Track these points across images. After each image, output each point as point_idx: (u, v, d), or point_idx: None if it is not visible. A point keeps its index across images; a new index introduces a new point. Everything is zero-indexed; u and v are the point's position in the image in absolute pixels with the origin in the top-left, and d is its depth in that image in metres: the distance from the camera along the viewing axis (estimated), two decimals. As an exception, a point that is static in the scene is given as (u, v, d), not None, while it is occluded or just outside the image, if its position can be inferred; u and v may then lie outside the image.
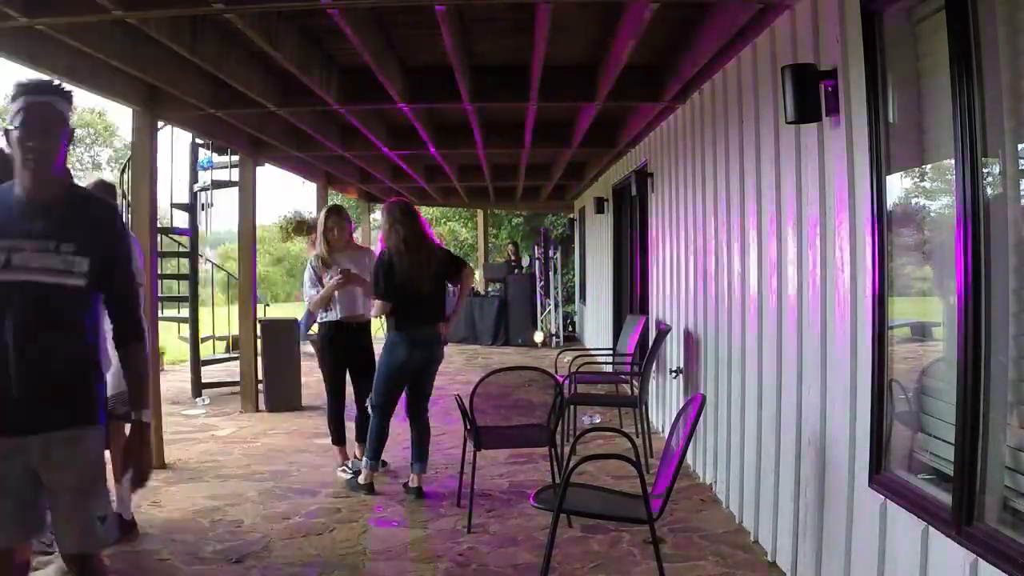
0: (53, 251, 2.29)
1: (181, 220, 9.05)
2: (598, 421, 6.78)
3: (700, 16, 4.31)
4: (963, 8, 2.22)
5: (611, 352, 7.94)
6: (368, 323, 5.52)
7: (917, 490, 2.58)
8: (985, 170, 2.23)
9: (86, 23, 4.05)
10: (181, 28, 4.25)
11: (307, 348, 11.64)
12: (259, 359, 7.99)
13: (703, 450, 5.15)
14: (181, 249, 8.85)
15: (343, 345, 5.40)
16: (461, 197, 13.90)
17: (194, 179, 8.72)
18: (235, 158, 8.57)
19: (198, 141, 8.64)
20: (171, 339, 10.29)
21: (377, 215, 18.10)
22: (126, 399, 2.89)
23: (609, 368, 7.67)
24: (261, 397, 7.96)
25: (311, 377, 9.87)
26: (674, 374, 6.06)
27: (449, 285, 5.13)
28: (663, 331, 6.23)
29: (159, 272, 7.71)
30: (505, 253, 16.76)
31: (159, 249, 7.41)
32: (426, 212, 19.72)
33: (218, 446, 6.33)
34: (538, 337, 13.86)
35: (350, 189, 12.91)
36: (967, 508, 2.21)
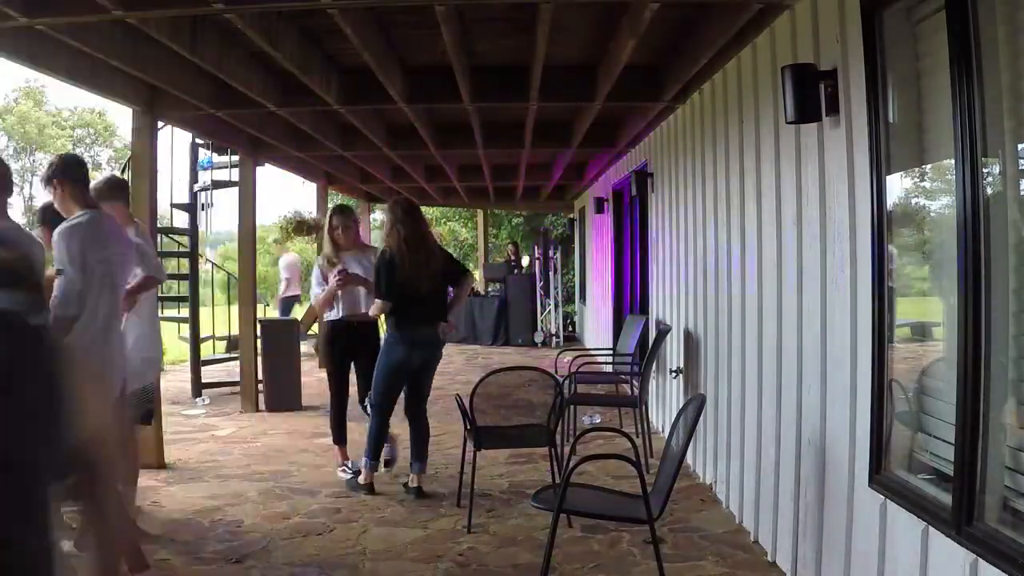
0: None
1: (181, 220, 9.05)
2: (598, 421, 6.78)
3: (700, 16, 4.31)
4: (963, 8, 2.22)
5: (611, 352, 7.93)
6: (374, 322, 5.49)
7: (917, 490, 2.57)
8: (985, 170, 2.23)
9: (86, 23, 4.05)
10: (181, 28, 4.25)
11: (307, 348, 11.66)
12: (259, 359, 7.99)
13: (703, 450, 5.15)
14: (181, 249, 8.85)
15: (344, 344, 5.39)
16: (461, 197, 13.90)
17: (194, 179, 8.71)
18: (235, 158, 8.57)
19: (198, 141, 8.64)
20: (171, 339, 10.28)
21: (378, 215, 18.15)
22: (139, 399, 2.96)
23: (609, 368, 7.67)
24: (261, 397, 7.96)
25: (311, 377, 9.86)
26: (674, 374, 6.06)
27: (450, 288, 5.14)
28: (663, 331, 6.23)
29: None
30: (505, 253, 16.76)
31: (159, 249, 7.41)
32: (426, 212, 19.67)
33: (218, 446, 6.33)
34: (538, 337, 13.86)
35: (350, 189, 12.92)
36: (967, 508, 2.20)
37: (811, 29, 3.32)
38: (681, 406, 3.65)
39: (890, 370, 2.80)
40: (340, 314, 5.35)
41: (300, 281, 12.33)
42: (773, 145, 3.81)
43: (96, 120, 37.88)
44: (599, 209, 10.71)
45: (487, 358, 11.81)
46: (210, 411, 7.79)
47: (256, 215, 8.28)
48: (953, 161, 2.30)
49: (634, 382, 6.75)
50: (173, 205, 9.04)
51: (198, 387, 8.36)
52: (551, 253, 14.60)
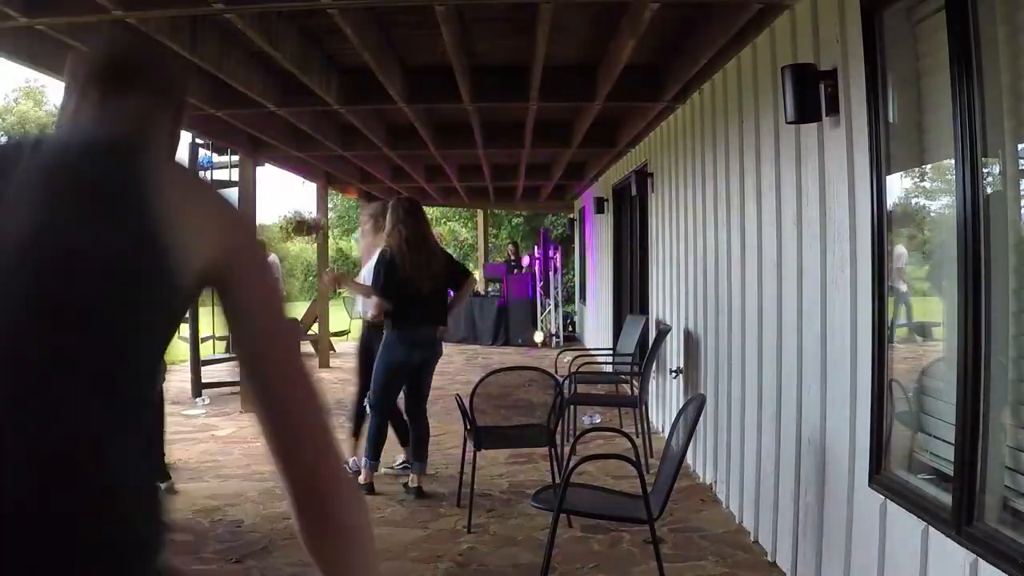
0: None
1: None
2: (598, 421, 6.78)
3: (700, 16, 4.31)
4: (963, 8, 2.22)
5: (611, 352, 7.93)
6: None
7: (917, 490, 2.58)
8: (985, 170, 2.23)
9: (86, 23, 4.04)
10: (181, 28, 4.25)
11: (307, 348, 11.66)
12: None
13: (703, 450, 5.15)
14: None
15: (367, 345, 5.42)
16: (461, 197, 13.89)
17: (194, 179, 8.68)
18: (235, 158, 8.57)
19: (198, 141, 8.63)
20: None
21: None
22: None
23: (609, 368, 7.67)
24: (261, 397, 7.94)
25: (311, 377, 9.87)
26: (674, 374, 6.06)
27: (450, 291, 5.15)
28: (663, 331, 6.23)
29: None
30: (505, 253, 16.76)
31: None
32: (426, 212, 19.65)
33: (218, 446, 6.33)
34: (538, 337, 13.86)
35: (350, 189, 12.91)
36: (967, 508, 2.20)
37: (811, 29, 3.32)
38: (681, 406, 3.65)
39: (890, 370, 2.80)
40: (365, 314, 5.40)
41: (282, 282, 12.33)
42: (773, 145, 3.81)
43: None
44: (599, 209, 10.71)
45: (487, 358, 11.81)
46: (210, 411, 7.79)
47: (256, 215, 8.27)
48: (953, 161, 2.30)
49: (634, 382, 6.75)
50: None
51: (198, 387, 8.36)
52: (551, 253, 14.60)
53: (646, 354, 6.43)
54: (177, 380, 9.26)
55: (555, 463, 4.51)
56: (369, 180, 11.28)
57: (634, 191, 7.58)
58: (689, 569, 3.73)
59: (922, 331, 3.06)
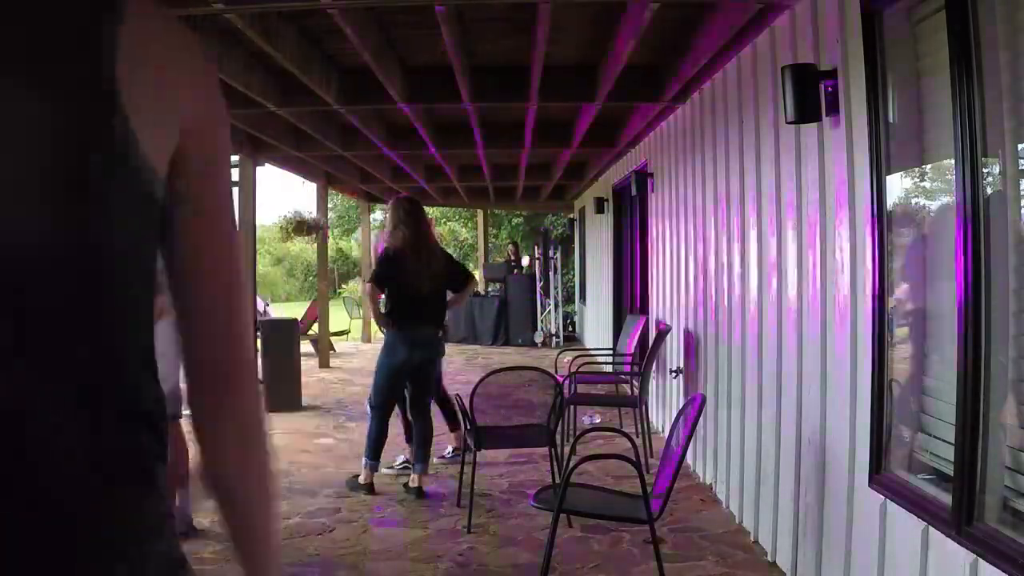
0: None
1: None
2: (598, 421, 6.78)
3: (700, 16, 4.31)
4: (963, 8, 2.22)
5: (611, 352, 7.93)
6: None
7: (917, 490, 2.58)
8: (985, 170, 2.23)
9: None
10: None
11: (306, 348, 11.66)
12: (259, 359, 7.99)
13: (703, 450, 5.15)
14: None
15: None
16: (461, 197, 13.90)
17: (194, 179, 8.70)
18: (235, 158, 8.57)
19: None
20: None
21: (378, 215, 18.15)
22: (178, 397, 2.99)
23: (609, 368, 7.67)
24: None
25: (311, 377, 9.87)
26: (674, 374, 6.06)
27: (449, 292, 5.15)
28: (663, 331, 6.23)
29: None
30: (505, 253, 16.77)
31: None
32: (426, 212, 19.66)
33: (218, 446, 6.32)
34: (538, 337, 13.86)
35: (350, 189, 12.92)
36: (967, 508, 2.20)
37: (811, 29, 3.32)
38: (681, 406, 3.65)
39: (890, 370, 2.80)
40: None
41: None
42: (773, 145, 3.81)
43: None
44: (599, 209, 10.71)
45: (487, 358, 11.81)
46: (210, 411, 7.78)
47: (256, 215, 8.27)
48: (953, 161, 2.30)
49: (634, 382, 6.75)
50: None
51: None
52: (551, 253, 14.61)
53: (646, 354, 6.43)
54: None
55: (555, 463, 4.51)
56: (369, 180, 11.28)
57: (634, 191, 7.58)
58: (689, 569, 3.73)
59: (922, 331, 3.06)
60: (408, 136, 7.60)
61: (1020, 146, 2.23)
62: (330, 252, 15.69)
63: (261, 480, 0.95)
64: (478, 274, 15.19)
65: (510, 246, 16.62)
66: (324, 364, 11.23)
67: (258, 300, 12.27)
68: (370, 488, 4.95)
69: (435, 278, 4.94)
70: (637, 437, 5.29)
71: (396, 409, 5.23)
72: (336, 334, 13.44)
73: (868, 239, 2.82)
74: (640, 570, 3.73)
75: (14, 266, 0.71)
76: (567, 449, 4.29)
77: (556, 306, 14.48)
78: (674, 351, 6.19)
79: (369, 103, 5.96)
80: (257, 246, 8.95)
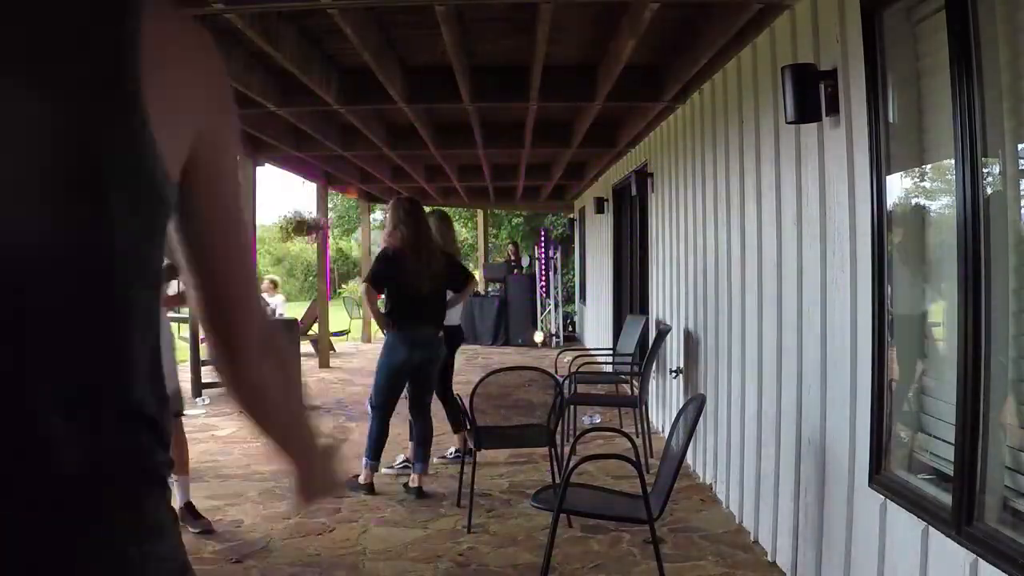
0: None
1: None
2: (598, 421, 6.78)
3: (700, 16, 4.31)
4: (963, 8, 2.22)
5: (611, 352, 7.94)
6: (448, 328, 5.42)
7: (917, 490, 2.58)
8: (985, 170, 2.23)
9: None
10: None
11: (307, 348, 11.66)
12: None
13: (703, 450, 5.15)
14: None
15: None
16: (461, 197, 13.90)
17: (194, 179, 8.70)
18: (235, 158, 8.57)
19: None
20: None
21: (378, 215, 18.15)
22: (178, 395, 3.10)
23: (609, 368, 7.67)
24: (261, 397, 7.94)
25: (311, 377, 9.88)
26: (674, 374, 6.06)
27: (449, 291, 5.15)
28: (663, 331, 6.23)
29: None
30: (505, 253, 16.77)
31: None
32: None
33: (218, 446, 6.33)
34: (538, 337, 13.86)
35: (350, 189, 12.92)
36: (967, 508, 2.20)
37: (811, 29, 3.32)
38: (681, 406, 3.65)
39: (890, 370, 2.80)
40: None
41: None
42: (773, 145, 3.81)
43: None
44: (599, 209, 10.71)
45: (487, 358, 11.81)
46: (210, 411, 7.79)
47: (256, 215, 8.27)
48: (953, 161, 2.30)
49: (634, 382, 6.75)
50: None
51: (198, 387, 8.35)
52: (551, 253, 14.61)
53: (646, 354, 6.43)
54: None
55: (555, 463, 4.51)
56: (369, 180, 11.28)
57: (634, 191, 7.59)
58: (689, 569, 3.73)
59: (922, 331, 3.06)
60: (408, 136, 7.59)
61: (1020, 146, 2.23)
62: (330, 252, 15.68)
63: (284, 370, 1.02)
64: (478, 274, 15.20)
65: (510, 246, 16.62)
66: (324, 364, 11.23)
67: (276, 299, 12.30)
68: (370, 488, 4.95)
69: (435, 278, 4.94)
70: (637, 437, 5.29)
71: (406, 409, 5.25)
72: (336, 334, 13.44)
73: (868, 239, 2.82)
74: (640, 570, 3.73)
75: (14, 266, 0.71)
76: (567, 449, 4.29)
77: (556, 306, 14.48)
78: (674, 351, 6.19)
79: (369, 103, 5.96)
80: (257, 246, 8.93)
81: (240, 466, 5.69)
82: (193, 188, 0.83)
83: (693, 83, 5.23)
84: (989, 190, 2.23)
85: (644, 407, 5.94)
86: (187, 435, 6.58)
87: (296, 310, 13.90)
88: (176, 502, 4.14)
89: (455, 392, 5.60)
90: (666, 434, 4.24)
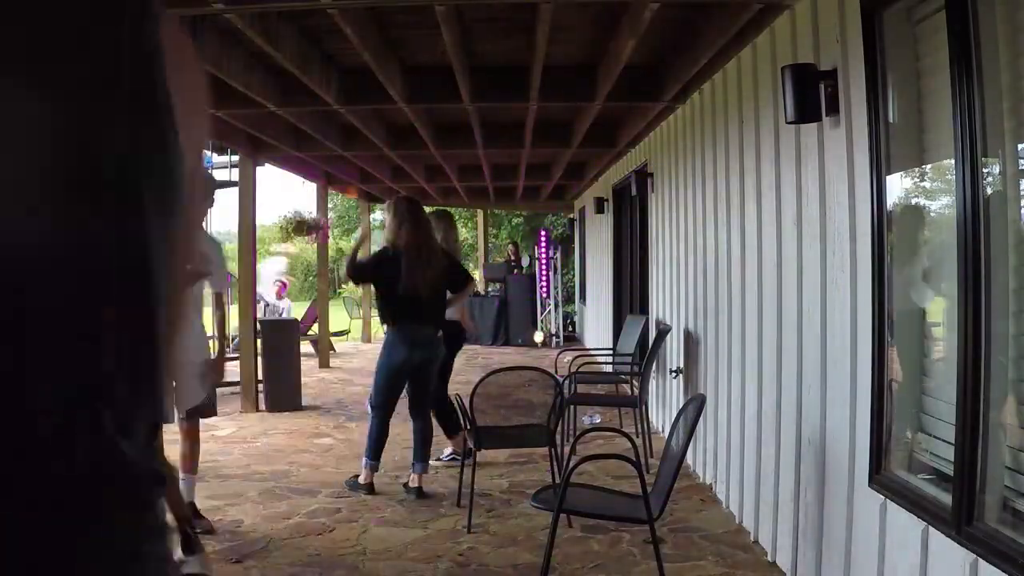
0: None
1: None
2: (598, 421, 6.78)
3: (700, 16, 4.31)
4: (963, 8, 2.22)
5: (611, 352, 7.94)
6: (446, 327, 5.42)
7: (917, 490, 2.58)
8: (985, 170, 2.23)
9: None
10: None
11: (307, 348, 11.67)
12: (259, 359, 7.99)
13: (703, 450, 5.15)
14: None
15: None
16: (461, 197, 13.90)
17: (194, 179, 8.71)
18: (235, 158, 8.58)
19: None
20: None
21: (377, 215, 18.13)
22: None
23: (609, 368, 7.67)
24: (261, 397, 7.96)
25: (311, 377, 9.88)
26: (674, 374, 6.06)
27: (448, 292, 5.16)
28: (663, 331, 6.23)
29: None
30: (505, 253, 16.77)
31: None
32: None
33: (218, 446, 6.33)
34: (538, 337, 13.86)
35: (350, 189, 12.92)
36: (967, 508, 2.20)
37: (811, 29, 3.32)
38: (681, 406, 3.65)
39: (890, 370, 2.80)
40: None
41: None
42: (773, 145, 3.81)
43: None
44: (599, 209, 10.71)
45: (487, 358, 11.81)
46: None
47: (256, 215, 8.27)
48: (953, 161, 2.30)
49: (634, 382, 6.75)
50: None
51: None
52: (551, 253, 14.61)
53: (646, 354, 6.43)
54: (177, 380, 9.26)
55: (555, 463, 4.51)
56: (369, 180, 11.28)
57: (634, 191, 7.59)
58: (689, 569, 3.73)
59: (922, 331, 3.06)
60: (408, 136, 7.60)
61: (1020, 146, 2.23)
62: (330, 252, 15.68)
63: None
64: (478, 274, 15.21)
65: (510, 246, 16.62)
66: (324, 364, 11.23)
67: (284, 302, 12.31)
68: (370, 488, 4.95)
69: (435, 278, 4.95)
70: (637, 437, 5.29)
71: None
72: (336, 334, 13.44)
73: (868, 239, 2.82)
74: (640, 570, 3.73)
75: (14, 266, 0.71)
76: (567, 449, 4.29)
77: (556, 306, 14.48)
78: (674, 351, 6.19)
79: (369, 103, 5.96)
80: (257, 246, 8.93)
81: (240, 466, 5.69)
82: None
83: (693, 83, 5.23)
84: (989, 190, 2.23)
85: (644, 407, 5.94)
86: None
87: (296, 310, 13.89)
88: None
89: (454, 393, 5.60)
90: (666, 434, 4.24)
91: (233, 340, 8.95)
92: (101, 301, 0.77)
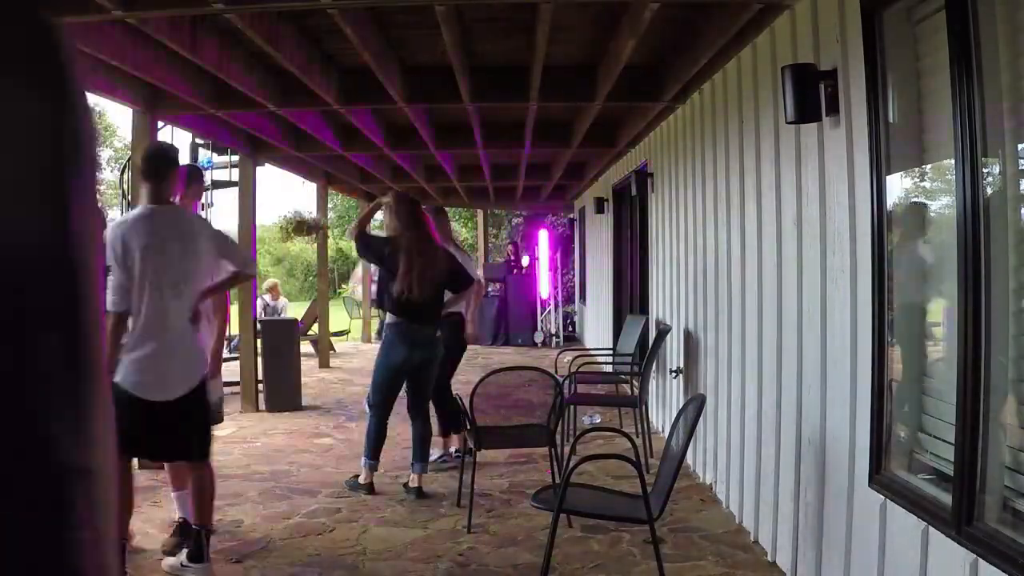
0: None
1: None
2: (598, 421, 6.78)
3: (700, 16, 4.31)
4: (963, 8, 2.22)
5: (611, 352, 7.94)
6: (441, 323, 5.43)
7: (917, 490, 2.58)
8: (985, 170, 2.23)
9: (86, 23, 4.05)
10: (181, 28, 4.25)
11: (307, 348, 11.66)
12: (259, 359, 7.99)
13: (703, 450, 5.15)
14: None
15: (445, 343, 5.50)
16: (461, 197, 13.90)
17: (194, 179, 8.71)
18: (235, 158, 8.57)
19: (198, 141, 8.64)
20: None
21: (377, 215, 18.12)
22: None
23: (609, 368, 7.67)
24: (261, 397, 7.96)
25: (311, 377, 9.88)
26: (674, 374, 6.06)
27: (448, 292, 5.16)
28: (663, 331, 6.23)
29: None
30: (505, 253, 16.76)
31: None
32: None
33: (218, 446, 6.28)
34: (538, 337, 13.86)
35: (350, 189, 12.91)
36: (967, 508, 2.20)
37: (811, 29, 3.32)
38: (681, 406, 3.65)
39: (890, 370, 2.80)
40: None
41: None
42: (773, 145, 3.81)
43: (96, 120, 37.84)
44: (599, 209, 10.71)
45: (487, 358, 11.81)
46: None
47: (256, 215, 8.27)
48: (953, 161, 2.30)
49: (634, 382, 6.75)
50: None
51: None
52: (551, 253, 14.62)
53: (646, 354, 6.43)
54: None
55: (555, 463, 4.51)
56: (369, 180, 11.29)
57: (634, 191, 7.58)
58: (689, 569, 3.73)
59: (922, 331, 3.06)
60: (408, 136, 7.60)
61: (1020, 146, 2.23)
62: (330, 252, 15.69)
63: None
64: (480, 274, 15.18)
65: (510, 246, 16.61)
66: (324, 364, 11.23)
67: (281, 301, 12.29)
68: (370, 488, 4.95)
69: (436, 278, 4.95)
70: (637, 437, 5.29)
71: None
72: (336, 334, 13.44)
73: (868, 239, 2.82)
74: (640, 570, 3.73)
75: (14, 266, 0.72)
76: (567, 449, 4.29)
77: (556, 306, 14.48)
78: (674, 351, 6.19)
79: (369, 103, 5.96)
80: (257, 246, 8.93)
81: (240, 466, 5.69)
82: None
83: (693, 83, 5.23)
84: (989, 190, 2.23)
85: (644, 407, 5.94)
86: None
87: (296, 310, 13.89)
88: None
89: (455, 393, 5.60)
90: (666, 434, 4.24)
91: (233, 340, 8.95)
92: (100, 300, 0.77)
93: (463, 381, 6.09)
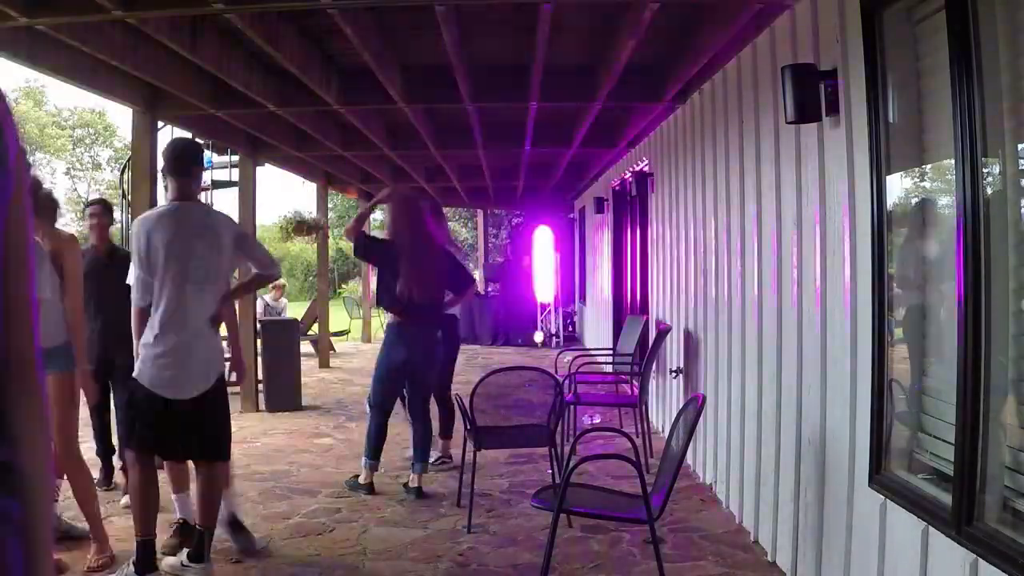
0: None
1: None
2: (598, 421, 6.78)
3: (700, 16, 4.31)
4: (963, 8, 2.22)
5: (611, 352, 7.94)
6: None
7: (917, 490, 2.57)
8: (985, 170, 2.23)
9: (86, 23, 4.05)
10: (181, 28, 4.25)
11: (306, 348, 11.66)
12: (259, 359, 7.99)
13: (703, 450, 5.15)
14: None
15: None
16: (461, 197, 13.90)
17: (194, 179, 8.71)
18: (235, 158, 8.58)
19: (198, 141, 8.64)
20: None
21: (378, 215, 18.12)
22: None
23: (609, 368, 7.67)
24: (261, 397, 7.96)
25: (311, 377, 9.87)
26: (674, 374, 6.06)
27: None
28: (663, 331, 6.23)
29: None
30: (505, 253, 16.77)
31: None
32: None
33: (218, 446, 6.32)
34: (538, 337, 13.86)
35: (350, 189, 12.92)
36: (967, 508, 2.20)
37: (811, 29, 3.32)
38: (681, 406, 3.65)
39: (890, 370, 2.80)
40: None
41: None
42: (773, 145, 3.81)
43: (96, 120, 37.82)
44: (599, 209, 10.71)
45: (487, 358, 11.81)
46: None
47: (256, 215, 8.27)
48: (953, 161, 2.30)
49: (634, 382, 6.75)
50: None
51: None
52: (551, 253, 14.62)
53: (646, 354, 6.43)
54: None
55: (555, 463, 4.51)
56: (369, 180, 11.29)
57: (634, 191, 7.58)
58: (689, 569, 3.73)
59: (922, 330, 3.06)
60: (408, 136, 7.60)
61: (1020, 146, 2.23)
62: (330, 252, 15.68)
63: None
64: (478, 274, 15.20)
65: (510, 246, 16.62)
66: (324, 364, 11.23)
67: (282, 301, 12.28)
68: (370, 488, 4.95)
69: (437, 278, 4.95)
70: (637, 437, 5.28)
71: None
72: (336, 334, 13.44)
73: (868, 239, 2.82)
74: (640, 570, 3.73)
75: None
76: (567, 449, 4.29)
77: (556, 307, 14.48)
78: (674, 351, 6.19)
79: (369, 103, 5.96)
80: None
81: (240, 466, 5.68)
82: None
83: (693, 83, 5.23)
84: (989, 190, 2.23)
85: (644, 407, 5.94)
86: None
87: (296, 310, 13.89)
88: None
89: (454, 393, 5.60)
90: (666, 434, 4.24)
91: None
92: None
93: (463, 381, 6.09)
